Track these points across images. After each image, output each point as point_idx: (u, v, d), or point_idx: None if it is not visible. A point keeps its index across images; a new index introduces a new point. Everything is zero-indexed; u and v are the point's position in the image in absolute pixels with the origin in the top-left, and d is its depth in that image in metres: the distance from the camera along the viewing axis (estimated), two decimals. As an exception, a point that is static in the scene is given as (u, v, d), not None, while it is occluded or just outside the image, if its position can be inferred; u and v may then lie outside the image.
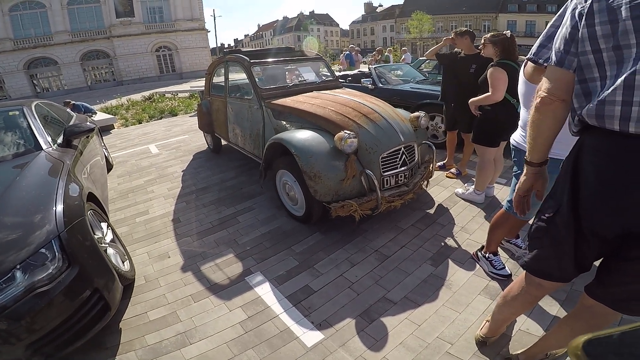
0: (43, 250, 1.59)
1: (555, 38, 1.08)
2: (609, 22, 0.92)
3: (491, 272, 2.22)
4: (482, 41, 2.77)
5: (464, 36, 3.34)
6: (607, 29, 0.92)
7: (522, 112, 1.90)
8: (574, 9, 1.01)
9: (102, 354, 1.83)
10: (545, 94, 1.09)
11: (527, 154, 1.22)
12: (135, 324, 2.03)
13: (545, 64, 1.15)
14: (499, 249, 2.33)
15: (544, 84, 1.11)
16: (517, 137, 1.94)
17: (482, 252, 2.32)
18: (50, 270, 1.57)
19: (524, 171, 1.25)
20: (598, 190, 0.99)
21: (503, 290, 1.93)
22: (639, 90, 0.86)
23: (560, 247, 1.11)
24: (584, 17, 0.96)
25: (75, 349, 1.67)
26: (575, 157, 1.05)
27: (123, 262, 2.30)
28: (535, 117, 1.14)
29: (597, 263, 1.15)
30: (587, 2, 0.96)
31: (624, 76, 0.89)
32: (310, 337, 1.85)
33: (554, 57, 1.07)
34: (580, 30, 0.97)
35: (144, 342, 1.89)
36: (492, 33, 2.70)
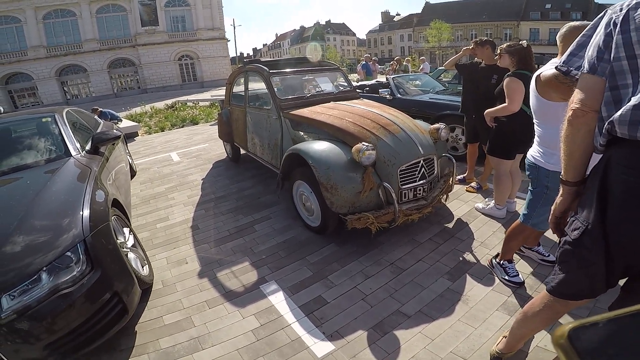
0: (69, 253, 1.65)
1: (588, 47, 1.06)
2: None
3: (504, 278, 2.22)
4: (498, 51, 2.74)
5: (484, 46, 3.30)
6: None
7: (536, 127, 1.86)
8: (609, 19, 1.00)
9: (115, 356, 1.87)
10: (578, 106, 1.05)
11: (562, 172, 1.18)
12: (150, 327, 2.07)
13: (576, 74, 1.12)
14: (517, 256, 2.33)
15: (576, 95, 1.07)
16: (534, 152, 1.89)
17: (497, 260, 2.31)
18: (74, 273, 1.62)
19: (560, 191, 1.20)
20: (626, 206, 0.95)
21: (522, 306, 1.90)
22: None
23: (591, 268, 1.08)
24: (618, 25, 0.95)
25: (90, 349, 1.71)
26: (603, 174, 1.01)
27: (142, 267, 2.36)
28: (569, 132, 1.10)
29: (621, 282, 1.12)
30: (623, 11, 0.96)
31: None
32: (321, 347, 1.84)
33: (586, 65, 1.05)
34: (615, 37, 0.96)
35: (158, 346, 1.93)
36: (508, 43, 2.67)
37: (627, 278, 1.11)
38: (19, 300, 1.49)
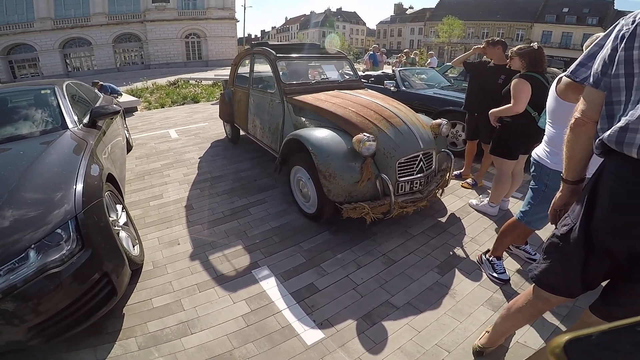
0: (59, 230, 1.56)
1: (596, 59, 1.08)
2: None
3: (492, 274, 2.27)
4: (509, 54, 2.72)
5: (496, 46, 3.28)
6: None
7: (548, 127, 1.88)
8: (619, 30, 1.01)
9: (102, 339, 1.82)
10: (579, 116, 1.13)
11: (563, 171, 1.26)
12: (138, 310, 2.03)
13: (583, 84, 1.15)
14: (505, 254, 2.38)
15: (580, 105, 1.13)
16: (539, 151, 1.92)
17: (487, 256, 2.35)
18: (63, 252, 1.54)
19: (560, 187, 1.29)
20: (611, 212, 1.01)
21: (507, 302, 1.97)
22: None
23: (569, 263, 1.15)
24: (625, 40, 0.97)
25: (76, 332, 1.65)
26: (596, 179, 1.08)
27: (134, 247, 2.29)
28: (570, 137, 1.18)
29: (604, 283, 1.17)
30: (633, 25, 0.96)
31: None
32: (311, 335, 1.85)
33: (591, 78, 1.08)
34: (618, 53, 0.98)
35: (145, 329, 1.89)
36: (519, 46, 2.65)
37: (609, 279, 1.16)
38: (4, 279, 1.40)
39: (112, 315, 1.96)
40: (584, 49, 1.67)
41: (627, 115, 0.95)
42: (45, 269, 1.48)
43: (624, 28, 0.99)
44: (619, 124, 0.95)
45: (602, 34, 1.12)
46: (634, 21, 0.97)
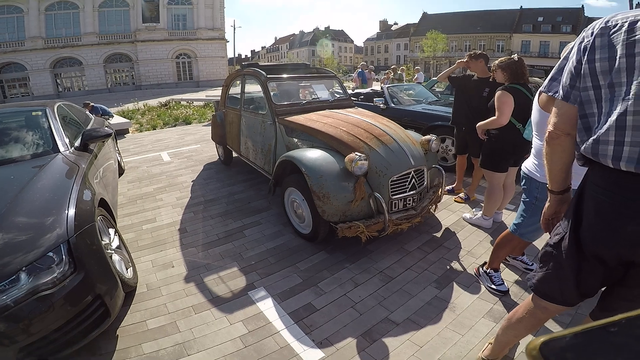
0: (51, 253, 1.60)
1: (563, 72, 1.10)
2: (607, 59, 0.94)
3: (490, 287, 2.29)
4: (492, 68, 2.79)
5: (478, 59, 3.34)
6: (605, 65, 0.95)
7: (535, 140, 1.90)
8: (580, 42, 1.03)
9: None
10: (552, 129, 1.14)
11: (548, 183, 1.28)
12: (133, 331, 2.02)
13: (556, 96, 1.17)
14: (502, 265, 2.42)
15: (552, 118, 1.15)
16: (528, 164, 1.94)
17: (484, 268, 2.38)
18: (55, 274, 1.57)
19: (548, 198, 1.31)
20: (596, 220, 1.04)
21: (508, 313, 1.96)
22: (630, 130, 0.90)
23: (563, 271, 1.17)
24: (587, 52, 0.99)
25: (68, 353, 1.66)
26: (581, 189, 1.11)
27: (127, 269, 2.31)
28: (547, 150, 1.21)
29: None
30: (592, 36, 0.99)
31: (615, 117, 0.92)
32: (311, 354, 1.83)
33: (560, 92, 1.10)
34: (583, 66, 1.00)
35: (140, 351, 1.88)
36: (500, 59, 2.72)
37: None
38: None
39: (106, 337, 1.95)
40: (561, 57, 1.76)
41: (599, 128, 0.97)
42: (37, 291, 1.51)
43: (585, 40, 1.01)
44: (593, 137, 0.98)
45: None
46: (592, 32, 0.99)
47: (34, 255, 1.56)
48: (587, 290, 1.15)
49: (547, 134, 1.17)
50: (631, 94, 0.89)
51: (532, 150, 1.94)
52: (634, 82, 0.89)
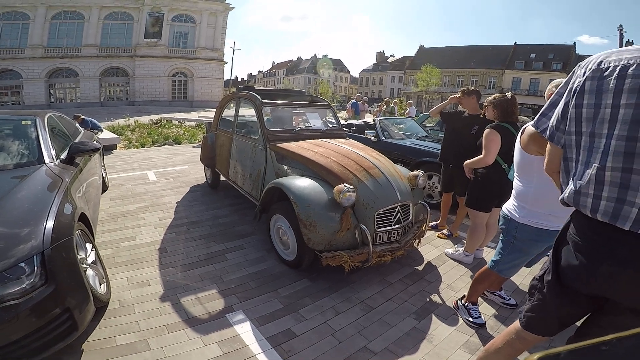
0: (22, 264, 1.58)
1: (555, 110, 1.11)
2: (594, 106, 0.96)
3: (467, 319, 2.32)
4: (485, 104, 2.81)
5: (471, 95, 3.33)
6: (591, 112, 0.97)
7: (515, 181, 1.91)
8: (572, 83, 1.04)
9: None
10: (545, 167, 1.21)
11: None
12: (99, 346, 1.96)
13: (542, 135, 1.18)
14: (480, 299, 2.49)
15: (546, 154, 1.19)
16: (509, 205, 1.95)
17: (463, 302, 2.41)
18: (24, 285, 1.55)
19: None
20: (573, 259, 1.09)
21: (484, 345, 1.96)
22: (607, 186, 0.94)
23: (545, 302, 1.22)
24: (576, 96, 1.01)
25: None
26: (564, 228, 1.17)
27: (100, 285, 2.27)
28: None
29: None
30: (584, 77, 1.00)
31: (595, 170, 0.96)
32: (287, 380, 1.77)
33: (547, 131, 1.13)
34: (570, 110, 1.03)
35: None
36: (494, 95, 2.74)
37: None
38: None
39: (71, 350, 1.89)
40: (545, 97, 1.68)
41: (578, 177, 1.01)
42: (2, 300, 1.49)
43: (577, 81, 1.01)
44: (572, 187, 1.02)
45: (562, 80, 1.14)
46: (584, 73, 0.99)
47: (2, 265, 1.54)
48: (566, 320, 1.21)
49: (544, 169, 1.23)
50: (610, 149, 0.92)
51: (513, 192, 1.95)
52: (614, 136, 0.91)
